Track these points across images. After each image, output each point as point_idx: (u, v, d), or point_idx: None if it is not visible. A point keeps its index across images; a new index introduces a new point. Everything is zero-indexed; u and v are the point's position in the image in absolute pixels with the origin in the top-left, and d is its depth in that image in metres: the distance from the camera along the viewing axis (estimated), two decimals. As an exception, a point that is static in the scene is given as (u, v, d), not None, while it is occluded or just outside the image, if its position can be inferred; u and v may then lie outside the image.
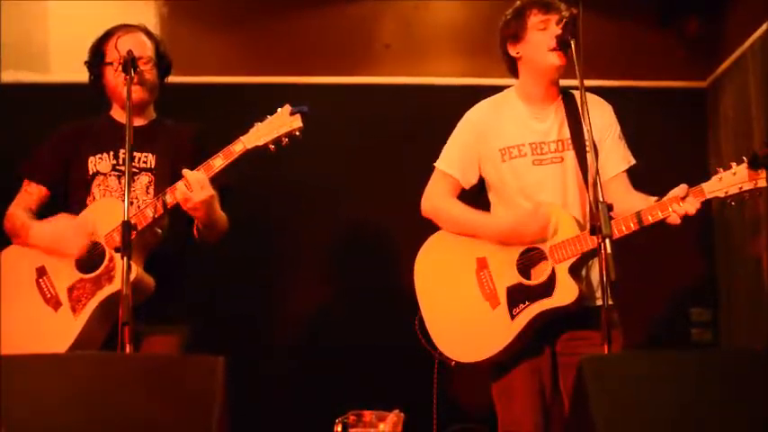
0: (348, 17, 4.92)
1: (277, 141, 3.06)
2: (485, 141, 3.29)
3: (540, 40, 3.19)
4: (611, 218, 2.80)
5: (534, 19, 3.21)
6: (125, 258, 2.77)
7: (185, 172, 3.07)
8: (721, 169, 2.96)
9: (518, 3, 3.29)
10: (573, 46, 2.99)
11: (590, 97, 3.25)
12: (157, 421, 2.19)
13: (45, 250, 3.24)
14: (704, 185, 2.97)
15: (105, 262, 3.13)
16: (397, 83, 4.84)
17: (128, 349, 2.66)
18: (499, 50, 3.35)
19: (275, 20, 4.88)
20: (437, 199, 3.35)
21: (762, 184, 2.90)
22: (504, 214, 3.26)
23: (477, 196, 3.37)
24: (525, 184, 3.23)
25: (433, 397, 3.29)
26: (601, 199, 2.75)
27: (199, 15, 4.85)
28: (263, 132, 3.05)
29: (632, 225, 3.00)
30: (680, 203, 2.96)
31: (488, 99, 3.39)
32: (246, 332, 4.51)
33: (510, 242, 3.17)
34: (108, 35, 3.39)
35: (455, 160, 3.34)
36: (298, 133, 3.04)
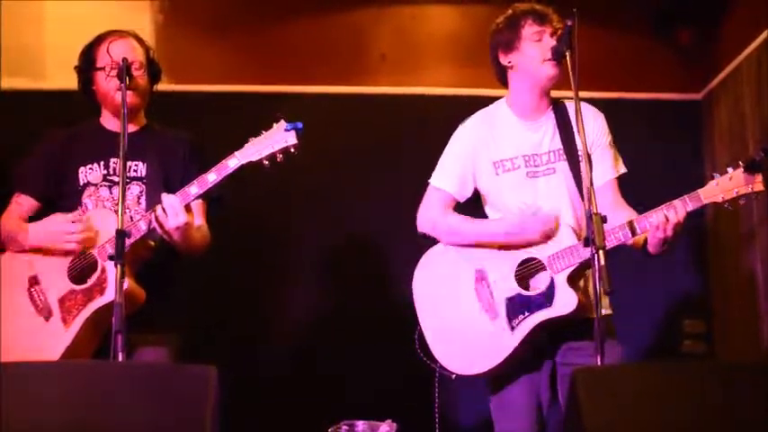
0: (344, 27, 4.93)
1: (272, 157, 3.05)
2: (478, 154, 3.28)
3: (535, 52, 3.19)
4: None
5: (529, 30, 3.21)
6: (118, 267, 2.76)
7: (163, 196, 3.06)
8: (717, 174, 2.96)
9: (510, 12, 3.28)
10: (568, 57, 2.99)
11: (582, 106, 3.26)
12: (150, 430, 2.19)
13: (44, 250, 3.22)
14: (701, 191, 2.96)
15: (97, 273, 3.13)
16: (392, 92, 4.84)
17: (120, 357, 2.65)
18: (489, 57, 3.34)
19: (271, 29, 4.89)
20: (433, 214, 3.33)
21: (758, 188, 2.90)
22: (508, 216, 3.24)
23: (474, 210, 3.37)
24: (520, 197, 3.23)
25: (435, 411, 3.28)
26: (595, 210, 2.75)
27: (194, 23, 4.85)
28: (258, 148, 3.04)
29: (629, 233, 3.01)
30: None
31: (479, 112, 3.38)
32: (238, 340, 4.51)
33: (513, 242, 3.16)
34: (99, 40, 3.38)
35: (449, 175, 3.33)
36: (293, 150, 3.04)
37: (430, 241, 3.35)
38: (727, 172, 2.94)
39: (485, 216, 3.34)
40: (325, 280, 4.74)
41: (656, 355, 4.46)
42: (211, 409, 2.18)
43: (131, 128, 3.37)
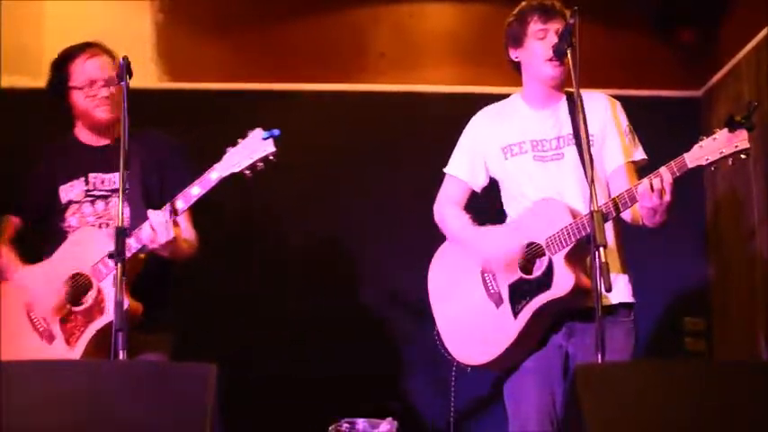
0: (344, 26, 4.93)
1: (252, 167, 3.04)
2: (488, 141, 3.33)
3: (539, 50, 3.20)
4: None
5: (534, 27, 3.22)
6: (119, 264, 2.76)
7: (149, 213, 3.07)
8: (703, 137, 2.92)
9: (522, 5, 3.30)
10: (569, 55, 2.99)
11: (595, 94, 3.29)
12: (150, 428, 2.19)
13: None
14: (686, 155, 2.92)
15: (94, 294, 3.15)
16: (392, 90, 4.84)
17: (121, 356, 2.66)
18: (504, 52, 3.36)
19: (271, 28, 4.89)
20: (444, 208, 3.40)
21: (743, 145, 2.85)
22: (483, 239, 3.26)
23: (491, 199, 3.41)
24: (528, 181, 3.25)
25: (451, 405, 3.29)
26: (595, 207, 2.75)
27: (194, 22, 4.85)
28: (238, 158, 3.04)
29: (612, 211, 2.99)
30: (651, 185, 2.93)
31: (494, 104, 3.43)
32: (236, 340, 4.50)
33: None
34: (71, 56, 3.38)
35: (462, 163, 3.38)
36: (272, 157, 3.03)
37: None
38: (713, 133, 2.91)
39: (501, 207, 3.37)
40: (325, 278, 4.73)
41: (656, 353, 4.46)
42: (211, 407, 2.18)
43: (106, 140, 3.41)
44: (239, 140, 3.05)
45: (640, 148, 3.28)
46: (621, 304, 3.17)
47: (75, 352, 3.13)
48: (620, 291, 3.14)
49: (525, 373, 3.21)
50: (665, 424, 2.25)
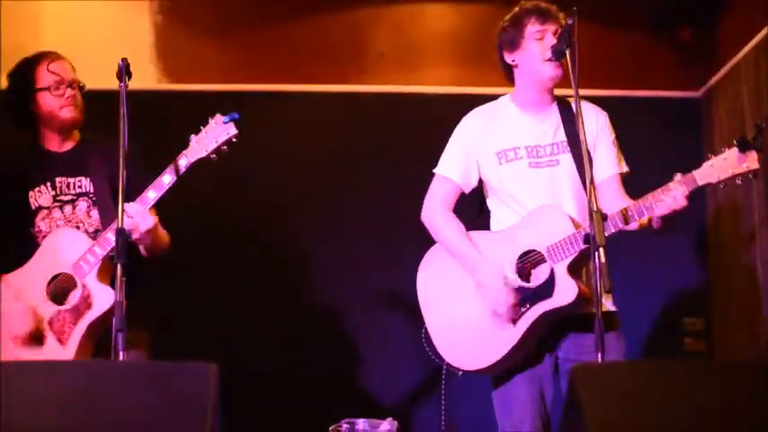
0: (343, 26, 4.94)
1: (217, 151, 3.14)
2: (481, 145, 3.31)
3: (537, 50, 3.20)
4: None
5: (531, 28, 3.22)
6: (119, 266, 2.75)
7: (126, 206, 3.06)
8: (712, 155, 2.95)
9: (516, 10, 3.30)
10: (568, 55, 2.99)
11: (585, 104, 3.25)
12: (150, 428, 2.19)
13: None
14: (696, 173, 2.95)
15: (78, 291, 3.16)
16: (391, 91, 4.84)
17: (121, 356, 2.66)
18: (496, 57, 3.35)
19: (270, 27, 4.89)
20: (435, 211, 3.35)
21: (753, 166, 2.89)
22: (478, 259, 3.21)
23: (479, 205, 3.40)
24: (522, 187, 3.24)
25: (442, 408, 3.28)
26: (595, 208, 2.75)
27: (193, 23, 4.85)
28: (203, 144, 3.13)
29: (619, 223, 3.01)
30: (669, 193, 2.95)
31: (484, 105, 3.41)
32: (234, 336, 4.50)
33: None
34: (35, 62, 3.43)
35: (453, 164, 3.35)
36: (234, 139, 3.13)
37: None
38: (722, 152, 2.93)
39: (486, 209, 3.36)
40: (324, 278, 4.74)
41: (655, 353, 4.46)
42: (212, 406, 2.18)
43: (67, 145, 3.45)
44: (202, 128, 3.14)
45: (623, 161, 3.31)
46: (610, 312, 3.17)
47: (69, 349, 3.15)
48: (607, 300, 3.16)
49: (515, 377, 3.21)
50: (664, 424, 2.25)
